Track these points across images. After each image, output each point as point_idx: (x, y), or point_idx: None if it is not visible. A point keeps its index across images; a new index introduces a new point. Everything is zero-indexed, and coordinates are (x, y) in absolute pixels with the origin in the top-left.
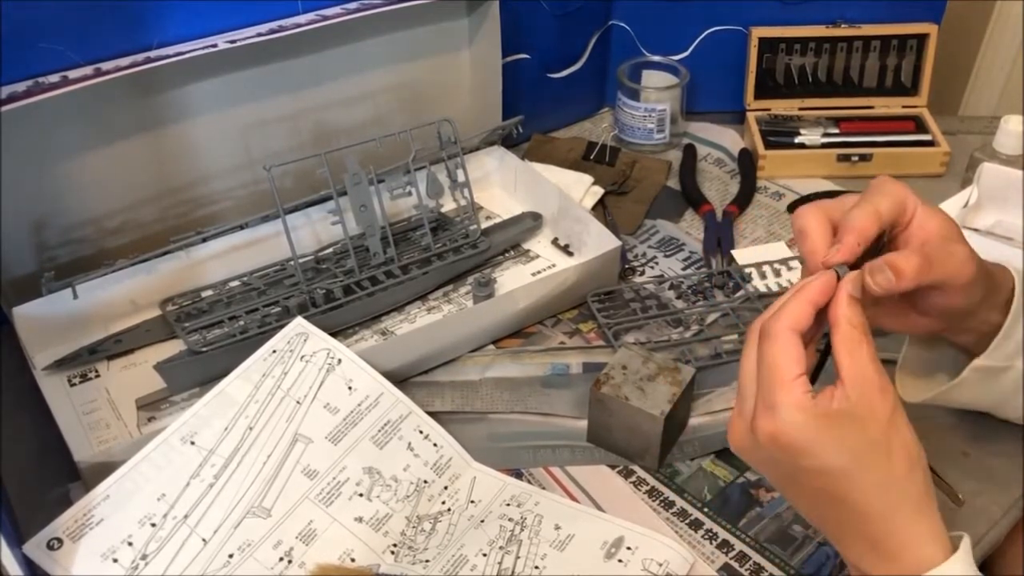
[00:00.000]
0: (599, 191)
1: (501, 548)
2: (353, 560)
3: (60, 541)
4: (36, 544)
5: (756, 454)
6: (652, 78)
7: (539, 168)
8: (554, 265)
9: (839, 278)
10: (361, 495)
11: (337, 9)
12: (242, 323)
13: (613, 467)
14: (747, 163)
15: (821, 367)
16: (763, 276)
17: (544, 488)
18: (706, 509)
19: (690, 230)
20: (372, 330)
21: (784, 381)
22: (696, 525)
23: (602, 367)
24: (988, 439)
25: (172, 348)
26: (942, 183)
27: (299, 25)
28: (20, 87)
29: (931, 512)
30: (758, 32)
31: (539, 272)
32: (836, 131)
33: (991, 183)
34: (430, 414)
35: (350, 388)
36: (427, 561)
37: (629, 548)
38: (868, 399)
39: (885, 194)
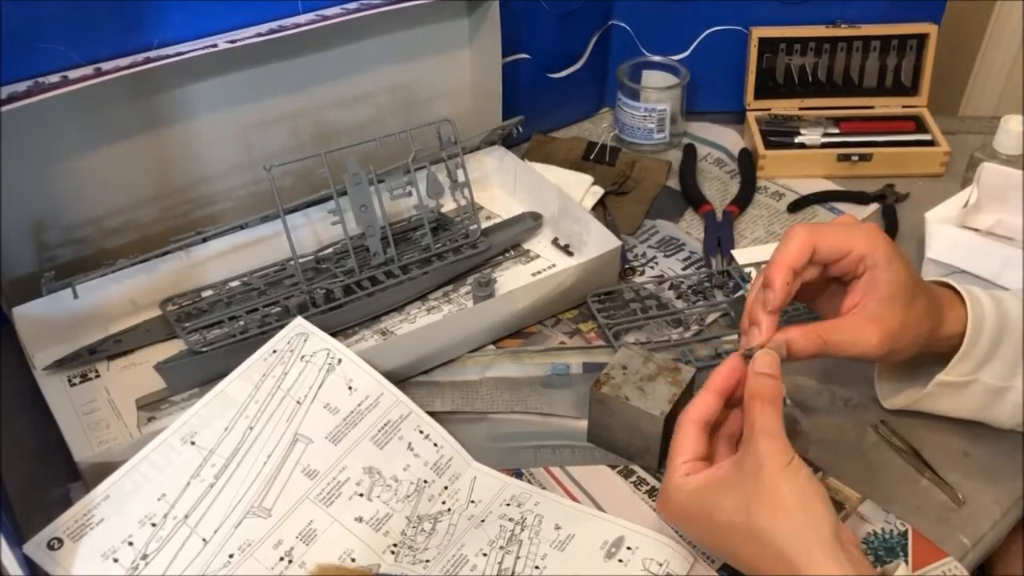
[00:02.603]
0: (599, 191)
1: (501, 548)
2: (353, 560)
3: (60, 541)
4: (36, 544)
5: (673, 521)
6: (652, 78)
7: (539, 168)
8: (554, 265)
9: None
10: (361, 495)
11: (337, 9)
12: (242, 323)
13: (613, 467)
14: (747, 163)
15: None
16: None
17: (544, 488)
18: None
19: (690, 230)
20: (372, 330)
21: (673, 466)
22: None
23: (602, 367)
24: (988, 439)
25: (172, 348)
26: (942, 183)
27: (299, 25)
28: (20, 87)
29: (842, 551)
30: (758, 32)
31: (539, 272)
32: (836, 131)
33: (991, 183)
34: (430, 414)
35: (350, 388)
36: (427, 561)
37: (629, 548)
38: (755, 457)
39: (796, 250)
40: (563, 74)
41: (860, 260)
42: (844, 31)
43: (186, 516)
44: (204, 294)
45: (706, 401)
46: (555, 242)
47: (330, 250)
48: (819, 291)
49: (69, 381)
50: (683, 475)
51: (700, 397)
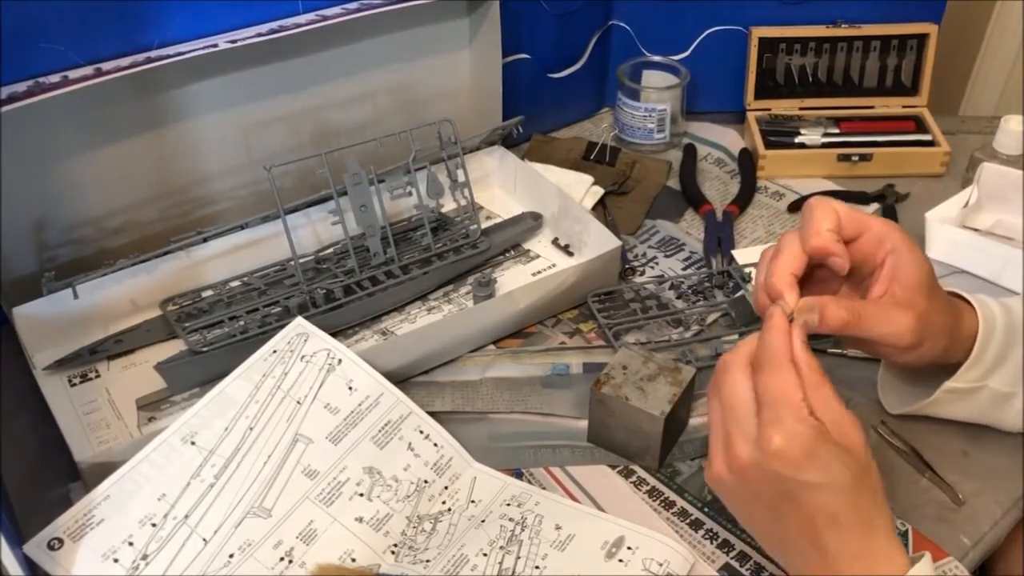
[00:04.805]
0: (599, 191)
1: (502, 548)
2: (354, 560)
3: (60, 541)
4: (37, 544)
5: (752, 474)
6: (652, 78)
7: (539, 168)
8: (554, 265)
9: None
10: (361, 495)
11: (337, 9)
12: (242, 323)
13: (613, 467)
14: (747, 163)
15: None
16: None
17: (544, 488)
18: (706, 509)
19: (690, 230)
20: (372, 330)
21: (794, 402)
22: (697, 525)
23: (602, 367)
24: (988, 439)
25: (172, 348)
26: (942, 183)
27: (299, 25)
28: (20, 87)
29: (894, 532)
30: (758, 32)
31: (539, 272)
32: (836, 131)
33: (991, 183)
34: (430, 414)
35: (350, 388)
36: (428, 561)
37: (630, 548)
38: (846, 434)
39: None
40: (563, 74)
41: (880, 242)
42: (844, 31)
43: (186, 516)
44: (204, 294)
45: (795, 344)
46: (555, 242)
47: (330, 250)
48: (832, 292)
49: (69, 381)
50: (808, 414)
51: (786, 338)
